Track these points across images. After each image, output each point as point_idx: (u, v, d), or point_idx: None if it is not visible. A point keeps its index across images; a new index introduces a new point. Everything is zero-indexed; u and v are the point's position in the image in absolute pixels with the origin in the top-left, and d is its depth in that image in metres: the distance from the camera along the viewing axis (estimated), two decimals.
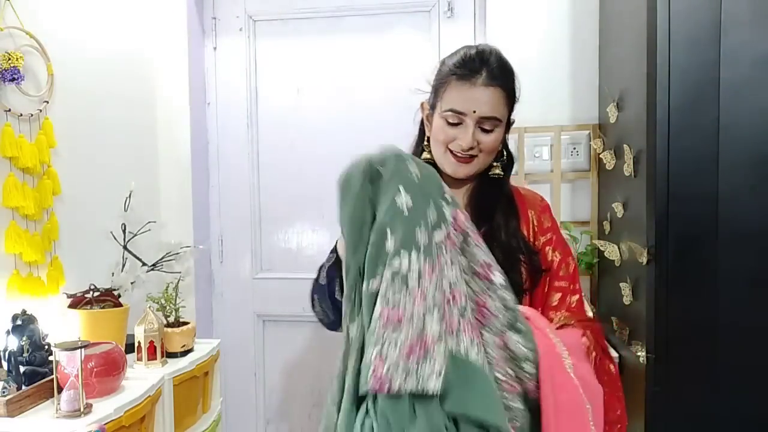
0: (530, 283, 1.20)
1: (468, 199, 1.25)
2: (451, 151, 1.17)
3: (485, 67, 1.15)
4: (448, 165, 1.19)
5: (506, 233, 1.19)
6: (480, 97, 1.14)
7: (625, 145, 1.79)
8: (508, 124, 1.22)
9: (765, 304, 1.54)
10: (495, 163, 1.23)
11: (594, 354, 1.10)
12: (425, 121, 1.26)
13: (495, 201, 1.23)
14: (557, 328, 1.14)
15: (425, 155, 1.23)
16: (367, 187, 0.93)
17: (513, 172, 2.21)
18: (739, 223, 1.53)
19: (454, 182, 1.23)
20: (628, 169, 1.75)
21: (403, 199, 0.89)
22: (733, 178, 1.52)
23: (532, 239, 1.23)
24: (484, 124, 1.15)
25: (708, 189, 1.54)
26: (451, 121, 1.15)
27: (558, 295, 1.20)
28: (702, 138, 1.53)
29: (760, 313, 1.54)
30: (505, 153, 1.26)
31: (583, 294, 1.27)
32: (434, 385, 0.80)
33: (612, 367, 1.15)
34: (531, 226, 1.24)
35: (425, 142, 1.24)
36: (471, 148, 1.15)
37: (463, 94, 1.14)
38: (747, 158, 1.53)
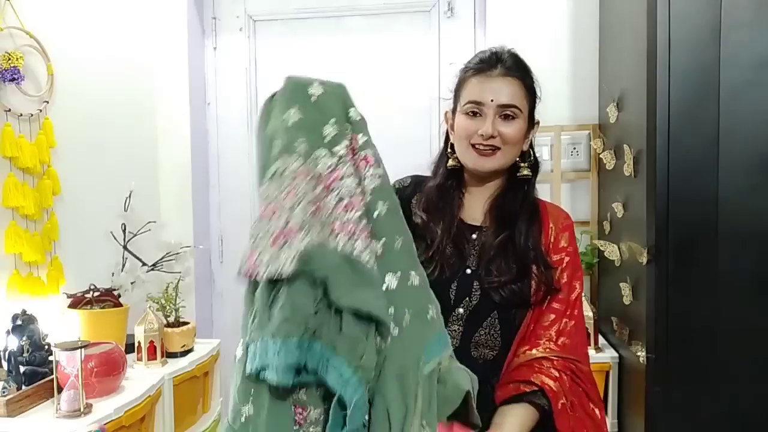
0: (540, 297, 1.17)
1: (491, 204, 1.23)
2: (473, 146, 1.17)
3: (500, 62, 1.17)
4: (471, 159, 1.18)
5: (525, 241, 1.18)
6: (497, 87, 1.16)
7: (625, 145, 1.79)
8: (532, 122, 1.22)
9: (765, 305, 1.54)
10: (522, 164, 1.22)
11: (563, 401, 1.09)
12: (450, 131, 1.26)
13: (519, 207, 1.21)
14: (531, 361, 1.13)
15: (450, 162, 1.24)
16: (268, 106, 1.02)
17: None
18: (739, 223, 1.53)
19: (478, 181, 1.23)
20: (628, 169, 1.75)
21: (290, 114, 0.96)
22: (733, 179, 1.52)
23: (546, 249, 1.20)
24: (504, 111, 1.16)
25: (708, 189, 1.54)
26: (470, 112, 1.17)
27: (552, 317, 1.17)
28: (702, 138, 1.53)
29: (760, 313, 1.54)
30: (532, 154, 1.25)
31: (584, 323, 1.24)
32: (288, 268, 0.86)
33: (597, 412, 1.14)
34: (549, 240, 1.21)
35: (449, 150, 1.25)
36: (492, 137, 1.15)
37: (480, 86, 1.16)
38: (747, 158, 1.53)
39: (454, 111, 1.23)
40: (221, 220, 2.66)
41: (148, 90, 2.45)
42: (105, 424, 1.48)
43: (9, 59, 1.67)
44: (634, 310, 1.75)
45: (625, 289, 1.77)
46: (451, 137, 1.25)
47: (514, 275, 1.15)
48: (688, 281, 1.56)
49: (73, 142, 1.97)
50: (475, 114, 1.16)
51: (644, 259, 1.62)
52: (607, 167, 2.00)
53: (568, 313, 1.18)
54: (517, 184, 1.23)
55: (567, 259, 1.21)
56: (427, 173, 1.29)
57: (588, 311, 1.96)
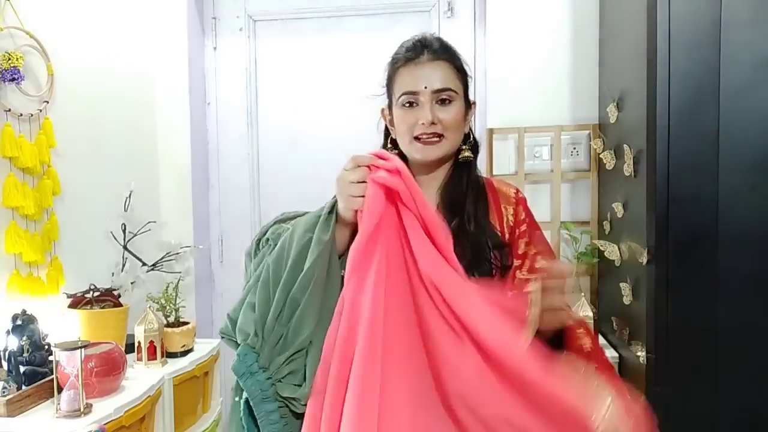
0: (498, 277, 1.15)
1: (439, 194, 1.22)
2: (417, 138, 1.16)
3: (426, 48, 1.16)
4: (416, 151, 1.17)
5: (475, 225, 1.17)
6: (428, 73, 1.15)
7: (625, 145, 1.79)
8: (468, 103, 1.21)
9: (764, 304, 1.54)
10: (464, 146, 1.22)
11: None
12: (389, 127, 1.25)
13: (465, 190, 1.21)
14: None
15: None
16: None
17: (513, 171, 2.27)
18: (738, 224, 1.53)
19: (425, 172, 1.21)
20: (628, 169, 1.75)
21: None
22: (733, 179, 1.52)
23: (507, 234, 1.20)
24: (439, 96, 1.15)
25: (708, 189, 1.54)
26: (406, 103, 1.15)
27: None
28: (702, 138, 1.53)
29: (760, 312, 1.54)
30: (472, 136, 1.25)
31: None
32: None
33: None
34: (505, 221, 1.21)
35: (390, 145, 1.24)
36: (433, 124, 1.14)
37: (410, 75, 1.15)
38: (747, 159, 1.53)
39: (390, 106, 1.22)
40: (221, 220, 2.66)
41: (148, 90, 2.45)
42: (105, 424, 1.48)
43: (9, 59, 1.67)
44: (634, 310, 1.75)
45: (625, 289, 1.78)
46: (391, 133, 1.24)
47: (470, 259, 1.13)
48: (688, 281, 1.56)
49: (73, 142, 1.97)
50: (411, 104, 1.15)
51: (644, 259, 1.62)
52: (607, 167, 2.00)
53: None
54: (461, 168, 1.22)
55: (528, 230, 1.21)
56: None
57: (588, 311, 1.96)
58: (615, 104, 1.93)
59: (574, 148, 2.26)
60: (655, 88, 1.55)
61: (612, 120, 1.95)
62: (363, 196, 1.01)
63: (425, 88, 1.14)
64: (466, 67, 1.20)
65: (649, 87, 1.59)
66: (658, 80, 1.54)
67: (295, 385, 1.04)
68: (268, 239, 1.14)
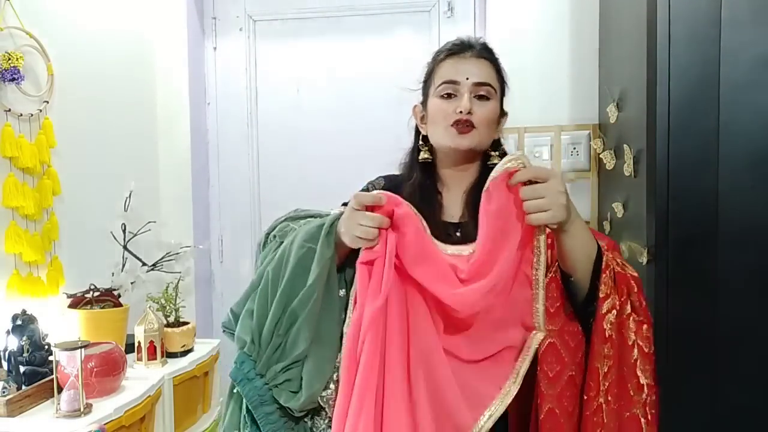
0: None
1: (467, 198, 1.23)
2: (452, 125, 1.16)
3: (472, 46, 1.19)
4: (449, 138, 1.17)
5: None
6: (471, 67, 1.16)
7: (625, 145, 1.79)
8: (502, 111, 1.22)
9: (765, 304, 1.54)
10: (493, 152, 1.22)
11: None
12: (419, 125, 1.26)
13: None
14: None
15: (423, 155, 1.23)
16: None
17: None
18: (739, 223, 1.53)
19: (453, 162, 1.22)
20: (628, 169, 1.75)
21: None
22: (733, 178, 1.52)
23: None
24: (479, 90, 1.15)
25: (708, 189, 1.53)
26: (445, 93, 1.16)
27: None
28: (702, 138, 1.53)
29: (760, 312, 1.54)
30: (502, 143, 1.26)
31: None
32: None
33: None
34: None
35: (420, 142, 1.24)
36: (469, 113, 1.14)
37: (454, 66, 1.17)
38: (747, 158, 1.52)
39: (424, 103, 1.23)
40: (221, 220, 2.66)
41: (148, 90, 2.45)
42: (105, 424, 1.48)
43: (9, 59, 1.67)
44: None
45: None
46: (422, 131, 1.24)
47: None
48: (688, 281, 1.56)
49: (73, 142, 1.97)
50: (450, 95, 1.16)
51: (644, 259, 1.62)
52: (607, 167, 2.00)
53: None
54: (489, 171, 1.21)
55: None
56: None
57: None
58: (615, 104, 1.93)
59: (574, 148, 2.25)
60: (654, 87, 1.55)
61: (612, 120, 1.95)
62: (371, 240, 1.00)
63: (467, 79, 1.15)
64: (504, 75, 1.22)
65: (648, 87, 1.59)
66: (657, 80, 1.54)
67: (291, 392, 1.06)
68: (275, 235, 1.15)
